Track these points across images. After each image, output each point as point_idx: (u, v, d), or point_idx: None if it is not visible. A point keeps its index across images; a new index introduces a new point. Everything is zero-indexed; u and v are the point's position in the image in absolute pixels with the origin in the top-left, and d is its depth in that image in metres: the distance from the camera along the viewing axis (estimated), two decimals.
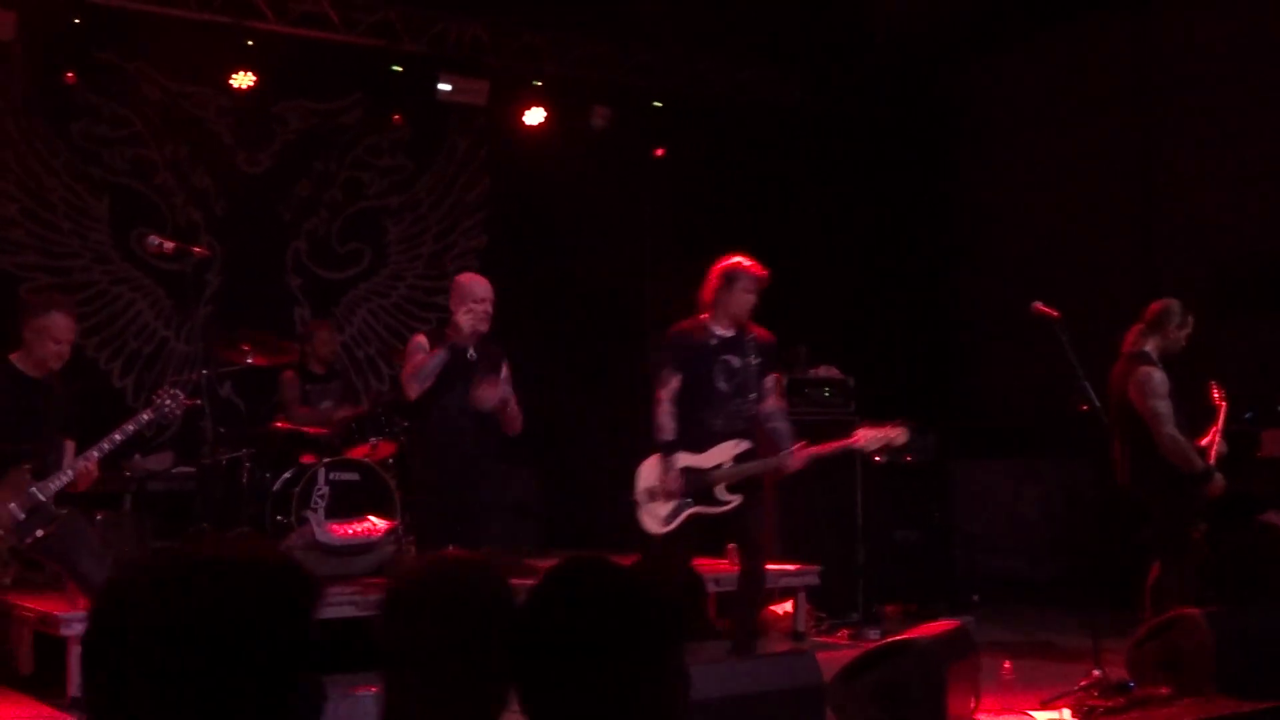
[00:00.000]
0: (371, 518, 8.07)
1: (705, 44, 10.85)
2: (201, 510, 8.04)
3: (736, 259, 6.73)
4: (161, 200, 9.99)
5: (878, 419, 9.29)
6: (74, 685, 6.09)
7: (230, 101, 10.11)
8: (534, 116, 10.72)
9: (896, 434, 6.74)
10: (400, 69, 10.32)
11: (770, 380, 6.81)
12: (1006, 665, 6.80)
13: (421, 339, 7.09)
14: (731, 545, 9.01)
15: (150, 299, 9.85)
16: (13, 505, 5.90)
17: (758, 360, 6.70)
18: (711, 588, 8.70)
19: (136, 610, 1.47)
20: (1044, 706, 6.08)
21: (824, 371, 9.63)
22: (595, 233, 11.19)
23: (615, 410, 11.59)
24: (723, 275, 6.68)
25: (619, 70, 10.89)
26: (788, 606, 8.69)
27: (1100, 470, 7.92)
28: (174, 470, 8.99)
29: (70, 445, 6.29)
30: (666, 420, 6.64)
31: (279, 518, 8.15)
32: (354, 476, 8.26)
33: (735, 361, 6.67)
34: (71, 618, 6.24)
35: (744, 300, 6.67)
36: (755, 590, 6.92)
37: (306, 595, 1.57)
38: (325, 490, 8.09)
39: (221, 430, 8.15)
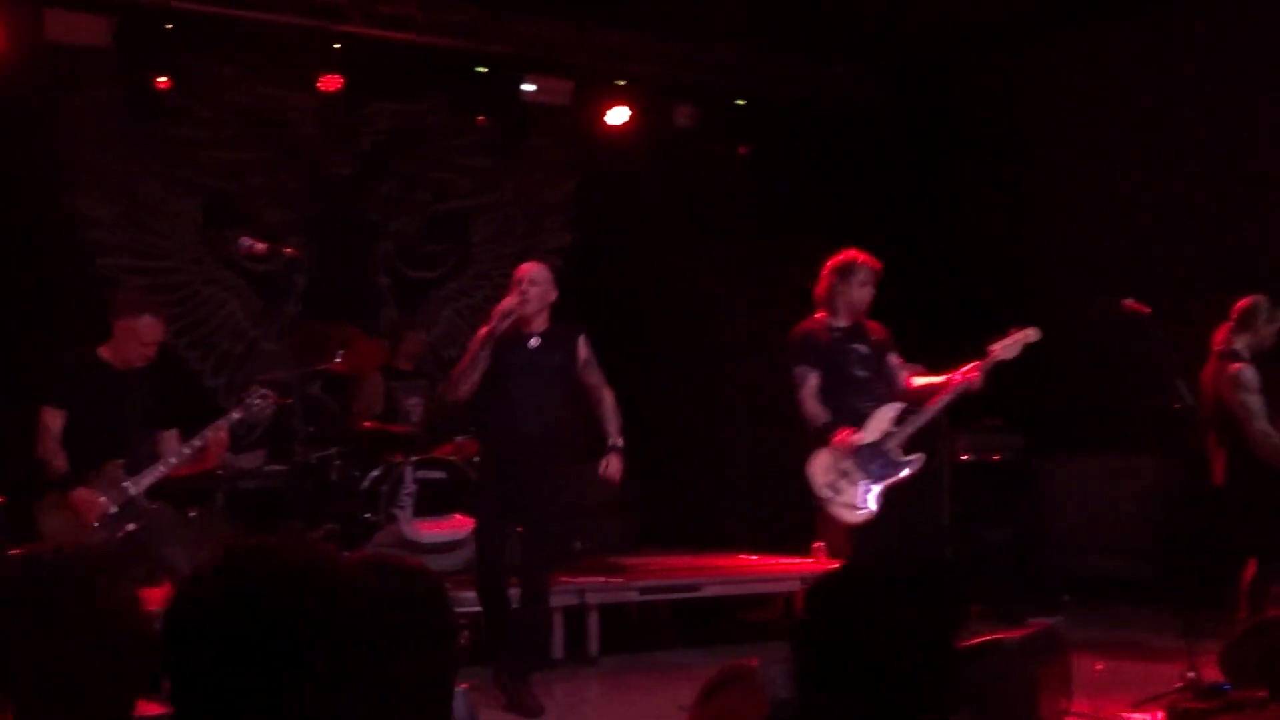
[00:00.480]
0: (458, 515, 8.14)
1: (786, 42, 10.80)
2: (292, 508, 8.14)
3: (850, 253, 6.74)
4: (251, 202, 10.14)
5: (973, 416, 9.25)
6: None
7: (318, 104, 10.23)
8: (617, 116, 10.74)
9: (1030, 333, 6.71)
10: (484, 70, 10.38)
11: (895, 359, 6.89)
12: (1099, 666, 6.71)
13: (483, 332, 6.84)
14: (817, 544, 8.98)
15: (241, 299, 9.99)
16: (104, 499, 5.95)
17: (878, 348, 6.77)
18: (797, 586, 8.67)
19: (212, 602, 1.48)
20: (1137, 708, 5.99)
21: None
22: (679, 231, 11.18)
23: (703, 407, 11.59)
24: (838, 270, 6.72)
25: (702, 69, 10.87)
26: None
27: (1194, 469, 7.79)
28: (265, 468, 9.10)
29: (172, 435, 6.31)
30: (817, 406, 6.61)
31: (367, 515, 8.25)
32: (440, 474, 8.34)
33: (863, 349, 6.74)
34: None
35: (862, 293, 6.72)
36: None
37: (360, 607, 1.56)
38: (412, 488, 8.17)
39: (311, 429, 8.25)
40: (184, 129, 9.95)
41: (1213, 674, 5.89)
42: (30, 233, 9.22)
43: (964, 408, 9.56)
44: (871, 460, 6.58)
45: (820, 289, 6.77)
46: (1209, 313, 7.28)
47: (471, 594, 7.20)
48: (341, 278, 10.40)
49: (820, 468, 6.62)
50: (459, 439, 8.69)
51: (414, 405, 9.00)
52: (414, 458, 8.36)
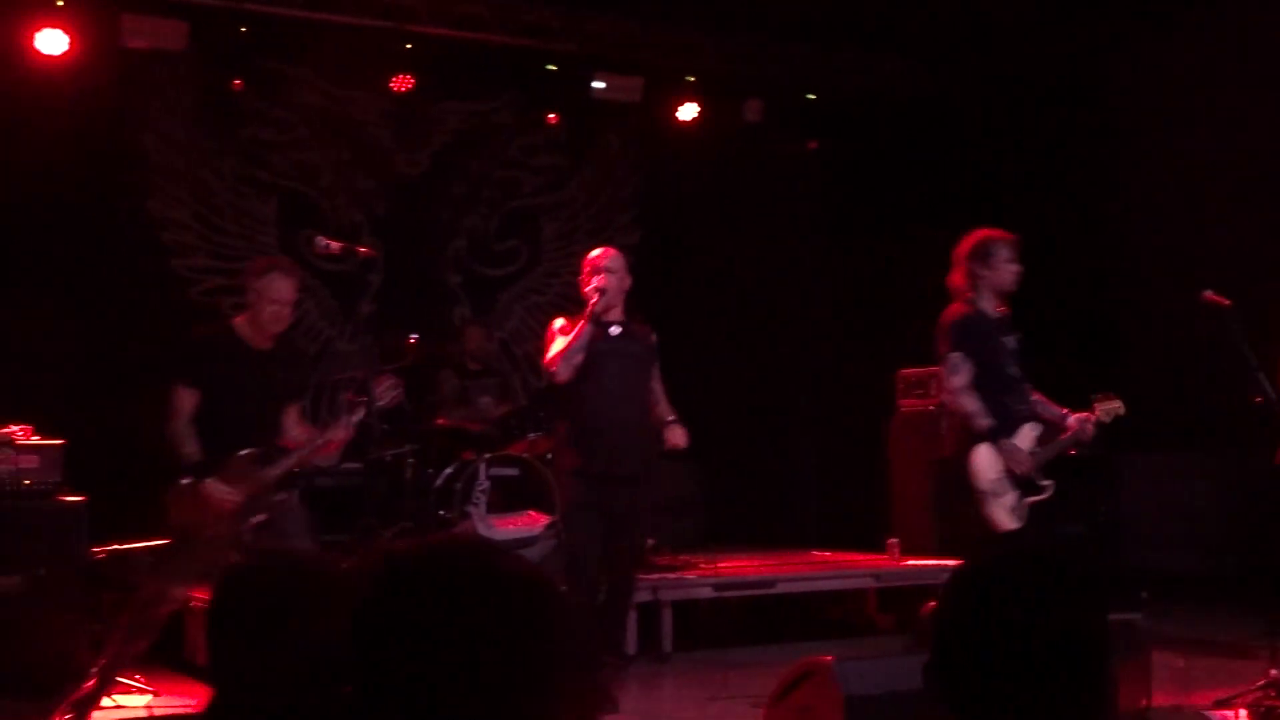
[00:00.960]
0: (532, 511, 8.18)
1: (854, 36, 10.74)
2: (367, 505, 8.22)
3: (983, 232, 6.40)
4: (325, 202, 10.24)
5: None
6: None
7: (389, 104, 10.32)
8: (687, 112, 10.74)
9: (1120, 407, 6.55)
10: (554, 68, 10.41)
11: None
12: (1179, 663, 6.62)
13: (561, 320, 6.73)
14: (892, 540, 8.95)
15: (316, 299, 10.09)
16: (235, 492, 5.76)
17: (1020, 341, 6.48)
18: (871, 583, 8.65)
19: (255, 595, 1.48)
20: (1219, 706, 5.90)
21: None
22: (749, 226, 11.17)
23: (773, 403, 11.57)
24: (977, 251, 6.34)
25: (771, 64, 10.85)
26: None
27: (1274, 464, 7.67)
28: (340, 466, 9.17)
29: (294, 412, 6.15)
30: (978, 406, 6.21)
31: (441, 512, 8.30)
32: (514, 472, 8.39)
33: (1011, 342, 6.41)
34: None
35: (1009, 270, 6.33)
36: None
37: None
38: (486, 485, 8.23)
39: (385, 427, 8.30)
40: (258, 130, 10.06)
41: None
42: (108, 235, 9.37)
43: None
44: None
45: (958, 278, 6.38)
46: None
47: None
48: (414, 277, 10.48)
49: (985, 463, 6.24)
50: (532, 436, 8.73)
51: (486, 404, 9.05)
52: (487, 455, 8.40)
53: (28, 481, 6.58)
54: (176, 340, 6.87)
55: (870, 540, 9.23)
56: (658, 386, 6.76)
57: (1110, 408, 6.52)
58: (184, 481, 5.76)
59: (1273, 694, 5.81)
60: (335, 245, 6.38)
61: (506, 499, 8.26)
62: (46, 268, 9.01)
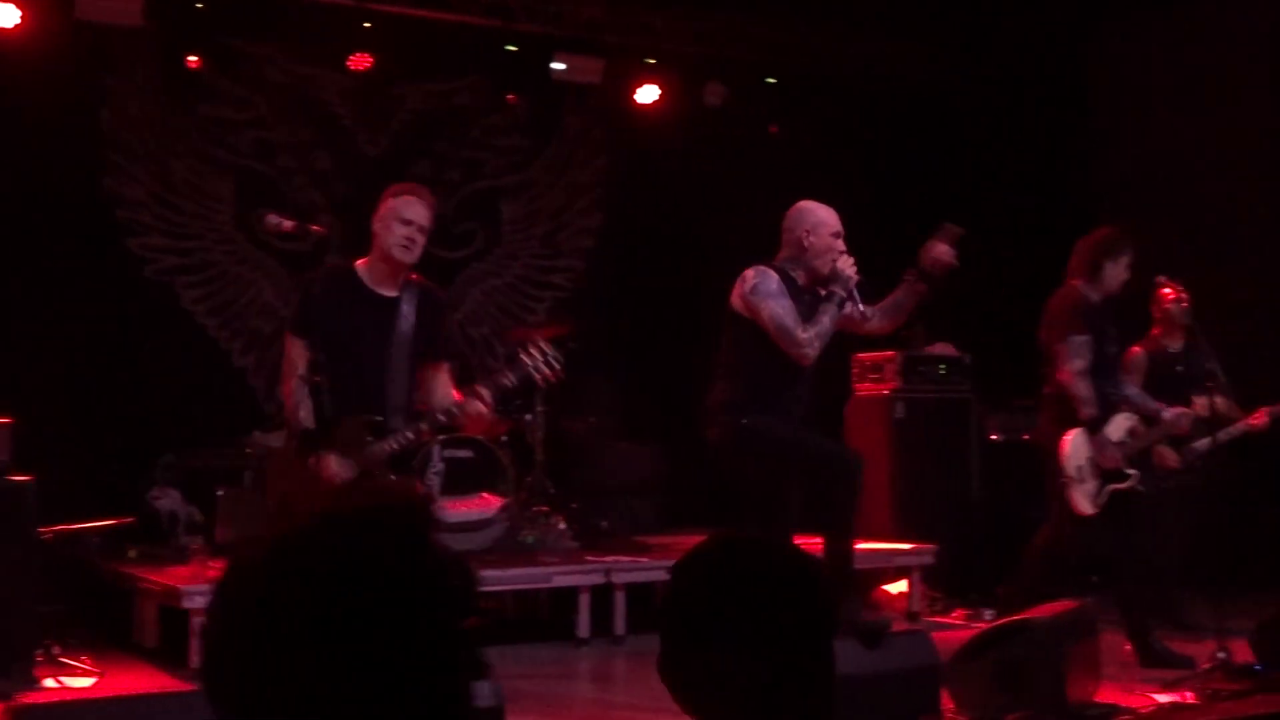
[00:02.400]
0: (485, 494, 8.15)
1: (820, 18, 10.75)
2: None
3: (1111, 232, 6.65)
4: (283, 182, 10.16)
5: (1004, 396, 9.19)
6: (195, 656, 6.22)
7: (350, 83, 10.24)
8: (648, 94, 10.71)
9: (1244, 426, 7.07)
10: (515, 49, 10.36)
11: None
12: (1128, 647, 6.67)
13: (771, 276, 6.19)
14: None
15: (272, 279, 10.01)
16: (346, 465, 5.03)
17: (1116, 331, 6.72)
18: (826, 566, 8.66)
19: (256, 587, 1.39)
20: (1167, 689, 5.95)
21: (940, 349, 9.52)
22: (710, 209, 11.15)
23: None
24: (1105, 249, 6.58)
25: (732, 46, 10.84)
26: (902, 586, 8.61)
27: (1230, 449, 7.73)
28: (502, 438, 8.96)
29: (443, 372, 5.37)
30: (1090, 393, 6.48)
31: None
32: (468, 453, 8.35)
33: (1113, 330, 6.68)
34: (193, 590, 6.38)
35: (1122, 276, 6.61)
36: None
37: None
38: (440, 467, 8.19)
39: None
40: (215, 108, 9.96)
41: (1245, 655, 5.86)
42: (61, 213, 9.25)
43: (994, 387, 9.55)
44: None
45: (1080, 263, 6.63)
46: (1262, 297, 7.24)
47: (496, 573, 7.24)
48: None
49: (1075, 447, 6.53)
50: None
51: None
52: (442, 436, 8.36)
53: None
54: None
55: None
56: None
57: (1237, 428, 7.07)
58: (289, 449, 5.14)
59: (1220, 676, 5.86)
60: (288, 223, 6.17)
61: (460, 481, 8.22)
62: None
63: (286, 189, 10.12)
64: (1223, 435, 7.34)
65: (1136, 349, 7.72)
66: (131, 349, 9.30)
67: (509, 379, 5.25)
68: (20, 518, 6.38)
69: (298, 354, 5.12)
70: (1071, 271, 6.69)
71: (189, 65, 9.65)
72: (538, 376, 5.26)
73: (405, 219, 5.27)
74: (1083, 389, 6.47)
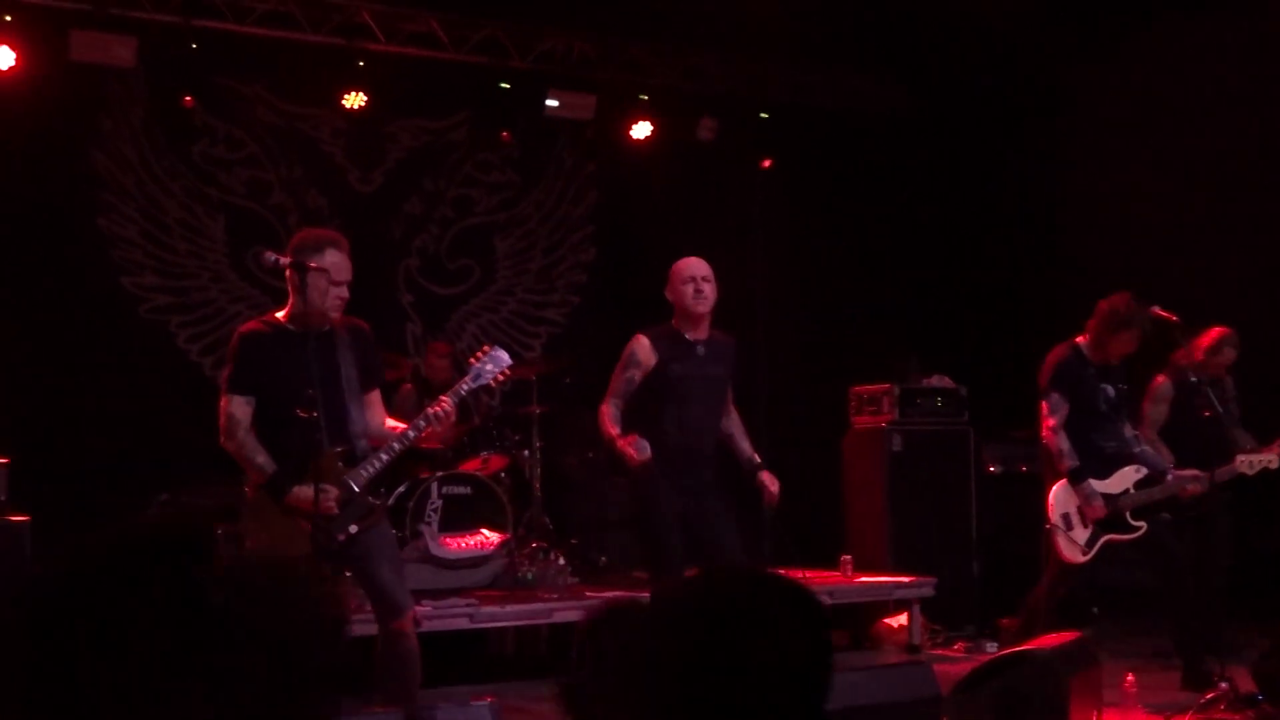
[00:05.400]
0: (484, 530, 8.13)
1: (810, 53, 10.80)
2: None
3: (1126, 299, 6.82)
4: (276, 220, 10.17)
5: (1000, 428, 9.19)
6: None
7: (342, 122, 10.27)
8: (641, 130, 10.75)
9: (1270, 458, 6.87)
10: (508, 86, 10.40)
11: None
12: (1129, 678, 6.64)
13: (634, 343, 6.37)
14: (845, 557, 8.95)
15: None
16: (330, 490, 5.01)
17: (1123, 390, 6.97)
18: (825, 600, 8.63)
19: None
20: (1168, 717, 5.93)
21: (936, 381, 9.52)
22: (704, 244, 11.12)
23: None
24: (1117, 315, 6.80)
25: (725, 81, 10.88)
26: (902, 619, 8.59)
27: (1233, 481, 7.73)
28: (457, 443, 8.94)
29: (376, 399, 5.41)
30: (1068, 446, 6.80)
31: (394, 531, 8.24)
32: (466, 490, 8.34)
33: (1110, 390, 6.91)
34: None
35: (1127, 346, 6.86)
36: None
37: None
38: (438, 503, 8.17)
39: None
40: (209, 148, 9.99)
41: (1247, 685, 5.85)
42: (56, 252, 9.26)
43: (991, 419, 9.55)
44: (1110, 511, 6.80)
45: (1090, 324, 6.91)
46: (1239, 320, 7.26)
47: (496, 609, 7.20)
48: (366, 294, 10.36)
49: (1058, 498, 6.88)
50: (485, 454, 8.70)
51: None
52: (440, 473, 8.36)
53: None
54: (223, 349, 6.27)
55: (824, 557, 9.23)
56: (736, 412, 6.41)
57: (1258, 460, 6.89)
58: (259, 498, 5.07)
59: (1221, 707, 5.84)
60: (284, 260, 6.24)
61: (459, 517, 8.20)
62: None
63: (279, 227, 10.13)
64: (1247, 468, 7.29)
65: (1161, 378, 7.75)
66: (127, 388, 9.29)
67: (465, 385, 5.44)
68: (16, 557, 6.36)
69: (240, 411, 5.12)
70: (1086, 327, 6.95)
71: (182, 105, 9.68)
72: (489, 379, 5.51)
73: (335, 280, 5.24)
74: (1059, 441, 6.78)
